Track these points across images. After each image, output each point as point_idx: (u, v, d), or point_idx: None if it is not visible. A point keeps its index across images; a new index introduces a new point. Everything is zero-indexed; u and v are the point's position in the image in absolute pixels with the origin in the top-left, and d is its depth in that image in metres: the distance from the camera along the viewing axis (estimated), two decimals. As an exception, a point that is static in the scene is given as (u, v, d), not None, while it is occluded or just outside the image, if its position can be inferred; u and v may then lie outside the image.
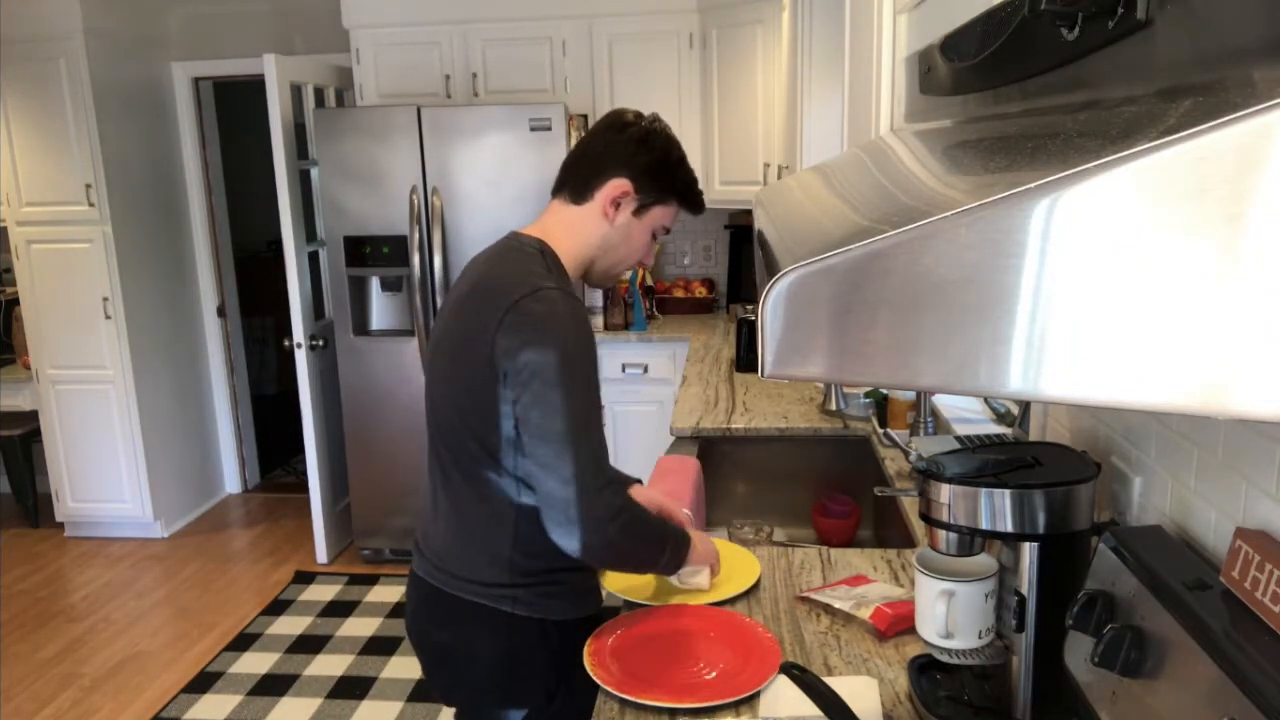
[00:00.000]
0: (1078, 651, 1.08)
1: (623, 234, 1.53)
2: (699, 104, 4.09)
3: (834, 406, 2.67)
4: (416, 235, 3.77)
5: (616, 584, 1.68)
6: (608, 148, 1.52)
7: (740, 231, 4.43)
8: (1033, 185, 0.50)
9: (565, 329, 1.38)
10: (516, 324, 1.38)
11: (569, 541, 1.41)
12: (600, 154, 1.52)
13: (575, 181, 1.53)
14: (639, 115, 1.54)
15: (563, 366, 1.37)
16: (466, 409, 1.45)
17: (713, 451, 2.60)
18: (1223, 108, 0.48)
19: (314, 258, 4.14)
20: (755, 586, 1.67)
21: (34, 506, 4.66)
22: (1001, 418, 2.17)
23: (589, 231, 1.52)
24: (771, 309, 0.57)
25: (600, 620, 1.65)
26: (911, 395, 2.45)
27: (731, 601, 1.62)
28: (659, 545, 1.52)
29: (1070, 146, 0.58)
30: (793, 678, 1.25)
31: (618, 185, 1.50)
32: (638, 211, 1.52)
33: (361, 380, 3.92)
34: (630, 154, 1.50)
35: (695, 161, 4.11)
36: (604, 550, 1.43)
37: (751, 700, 1.33)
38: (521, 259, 1.47)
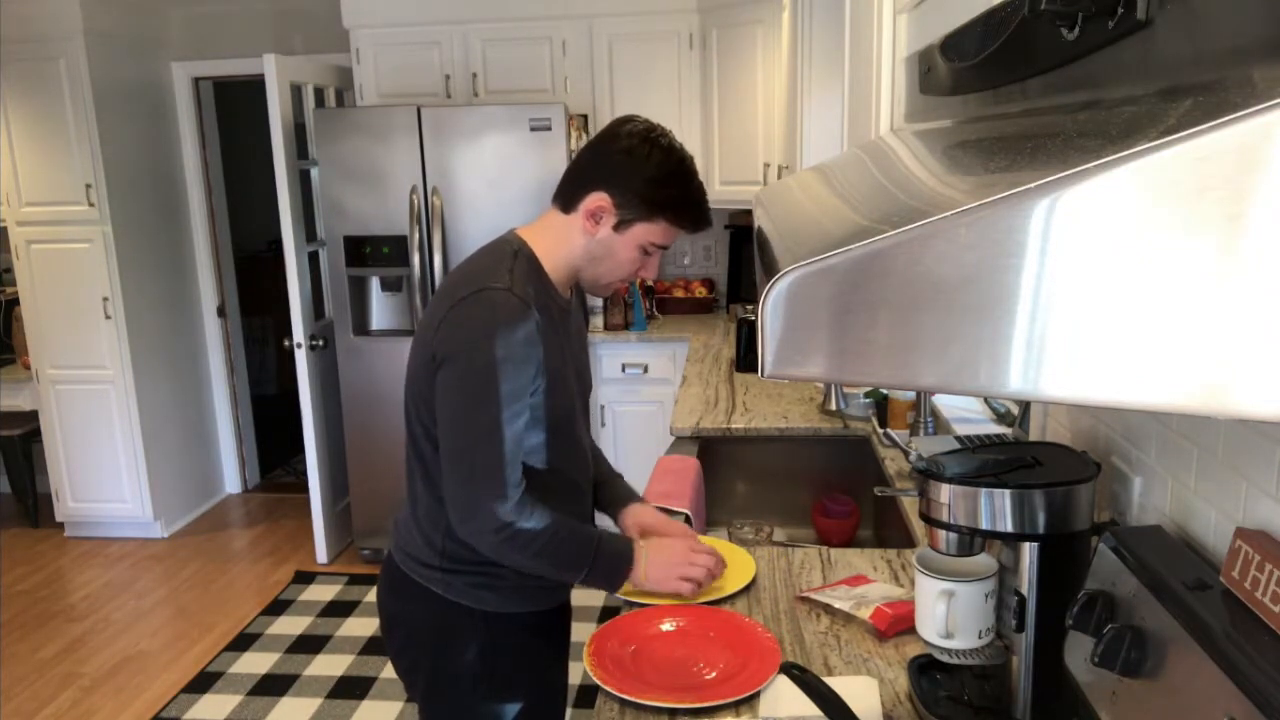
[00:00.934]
0: (1078, 651, 1.08)
1: (605, 248, 1.50)
2: (699, 104, 4.09)
3: (834, 406, 2.67)
4: (416, 235, 3.77)
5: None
6: (594, 159, 1.50)
7: (740, 231, 4.43)
8: (1033, 185, 0.50)
9: (487, 337, 1.40)
10: (452, 320, 1.43)
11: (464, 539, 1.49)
12: (587, 165, 1.50)
13: (564, 190, 1.52)
14: (640, 127, 1.49)
15: (470, 375, 1.41)
16: (415, 394, 1.52)
17: (713, 451, 2.60)
18: (1223, 108, 0.47)
19: (314, 258, 4.14)
20: (752, 585, 1.67)
21: (34, 506, 4.66)
22: (1001, 418, 2.17)
23: (573, 242, 1.51)
24: (771, 309, 0.57)
25: (560, 618, 1.72)
26: (911, 395, 2.45)
27: (730, 599, 1.62)
28: (566, 566, 1.51)
29: (1070, 146, 0.58)
30: (793, 678, 1.25)
31: (596, 199, 1.47)
32: (618, 227, 1.48)
33: (361, 380, 3.92)
34: (613, 168, 1.47)
35: (695, 161, 4.10)
36: (492, 555, 1.48)
37: (751, 700, 1.33)
38: (491, 257, 1.50)
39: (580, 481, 1.65)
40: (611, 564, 1.54)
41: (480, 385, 1.41)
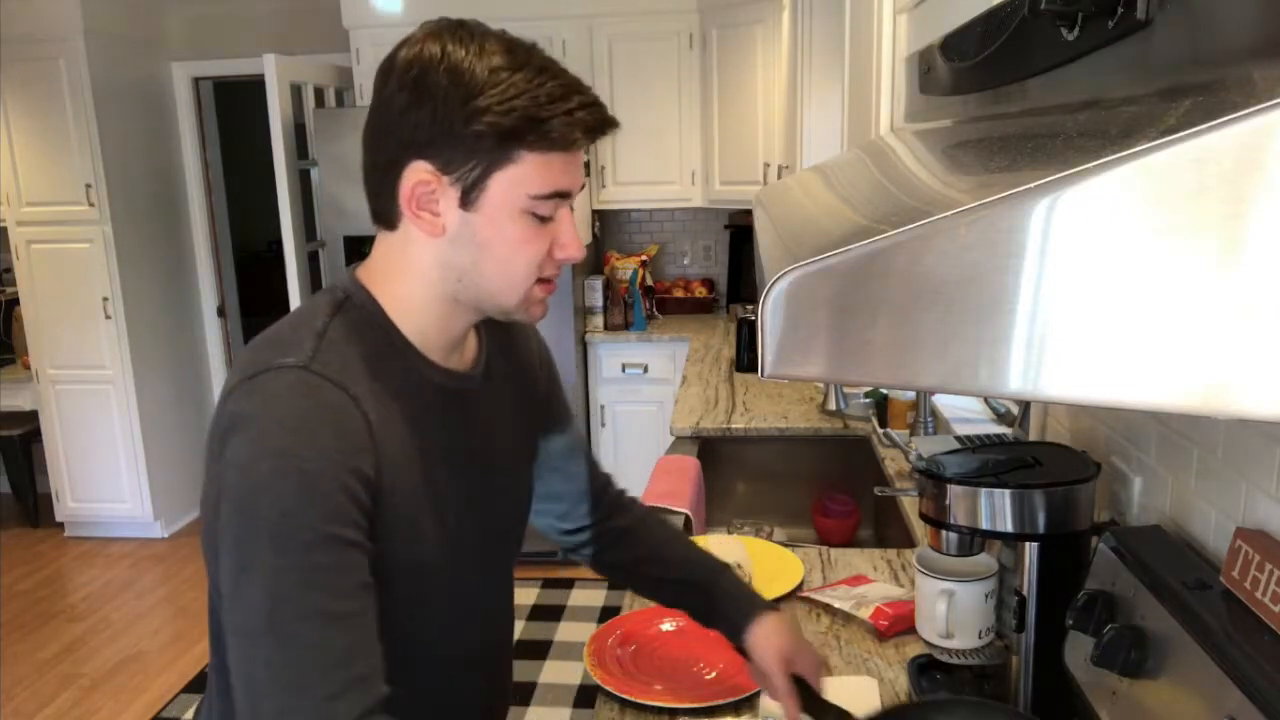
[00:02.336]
0: (1078, 651, 1.08)
1: (468, 243, 0.92)
2: (699, 104, 4.09)
3: (834, 406, 2.67)
4: (416, 235, 3.76)
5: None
6: (380, 127, 0.92)
7: (740, 231, 4.43)
8: (1033, 185, 0.50)
9: (262, 452, 0.83)
10: (222, 427, 0.87)
11: None
12: (375, 142, 0.93)
13: (371, 196, 0.96)
14: (417, 38, 0.91)
15: (245, 525, 0.82)
16: (205, 537, 0.91)
17: (713, 451, 2.60)
18: (1223, 108, 0.47)
19: (314, 258, 4.14)
20: (799, 588, 1.66)
21: (34, 506, 4.66)
22: (1001, 418, 2.17)
23: (420, 262, 0.94)
24: (771, 309, 0.57)
25: None
26: (911, 395, 2.45)
27: (774, 603, 1.60)
28: None
29: (1070, 146, 0.58)
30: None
31: (411, 179, 0.90)
32: (467, 201, 0.90)
33: (361, 380, 3.92)
34: (408, 121, 0.89)
35: (695, 161, 4.11)
36: None
37: (751, 700, 1.33)
38: (300, 315, 0.96)
39: (451, 657, 1.05)
40: None
41: (261, 541, 0.81)
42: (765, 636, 1.18)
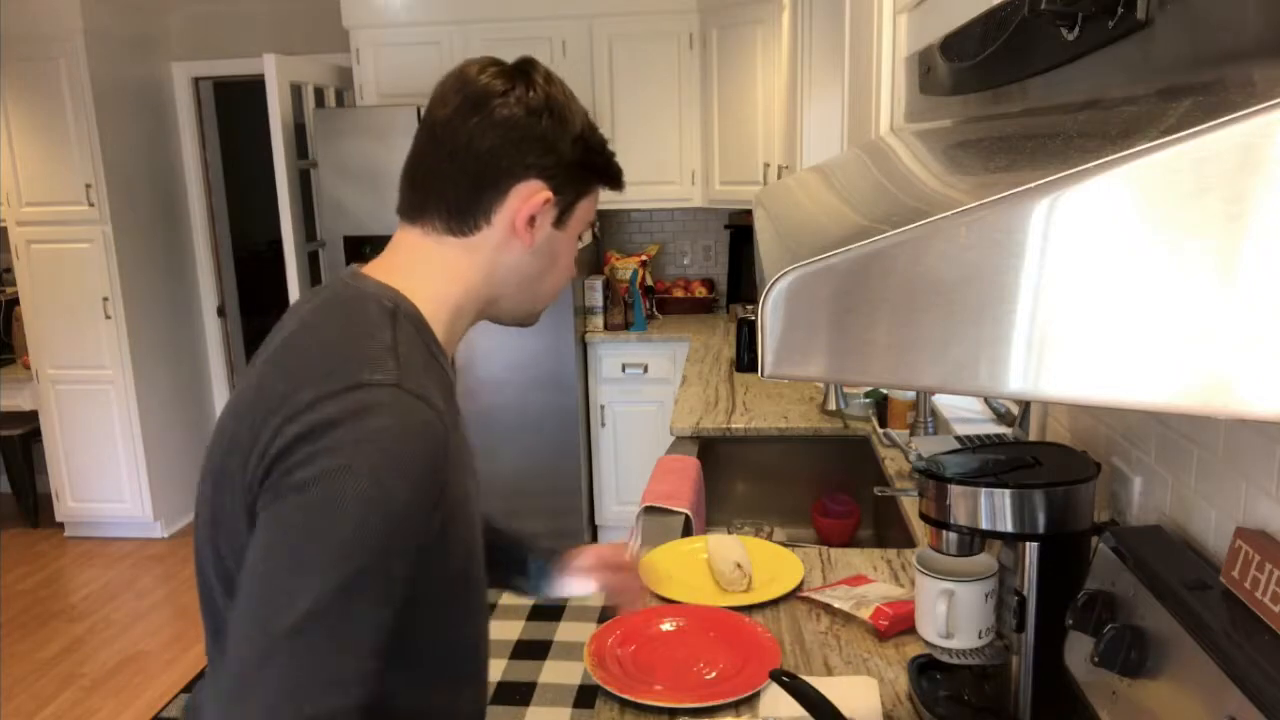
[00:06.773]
0: (1078, 651, 1.08)
1: (544, 255, 1.02)
2: (699, 104, 4.09)
3: (834, 406, 2.67)
4: (416, 235, 3.76)
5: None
6: (499, 143, 0.96)
7: (740, 231, 4.43)
8: (1033, 185, 0.50)
9: (372, 467, 0.82)
10: (308, 428, 0.84)
11: None
12: (487, 152, 0.96)
13: (451, 201, 0.98)
14: (505, 73, 0.98)
15: (322, 515, 0.81)
16: (222, 532, 0.92)
17: (713, 451, 2.60)
18: (1223, 108, 0.47)
19: (314, 258, 4.14)
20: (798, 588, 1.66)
21: (34, 506, 4.66)
22: (1001, 418, 2.17)
23: (489, 268, 1.00)
24: (771, 309, 0.57)
25: None
26: (911, 395, 2.45)
27: (774, 603, 1.61)
28: None
29: (1070, 146, 0.58)
30: (783, 684, 1.24)
31: (531, 193, 0.97)
32: (560, 220, 1.01)
33: (361, 380, 3.92)
34: (530, 140, 0.96)
35: (695, 161, 4.11)
36: None
37: (751, 700, 1.33)
38: (357, 326, 0.93)
39: (479, 668, 1.08)
40: None
41: (324, 553, 0.81)
42: (578, 556, 1.33)
